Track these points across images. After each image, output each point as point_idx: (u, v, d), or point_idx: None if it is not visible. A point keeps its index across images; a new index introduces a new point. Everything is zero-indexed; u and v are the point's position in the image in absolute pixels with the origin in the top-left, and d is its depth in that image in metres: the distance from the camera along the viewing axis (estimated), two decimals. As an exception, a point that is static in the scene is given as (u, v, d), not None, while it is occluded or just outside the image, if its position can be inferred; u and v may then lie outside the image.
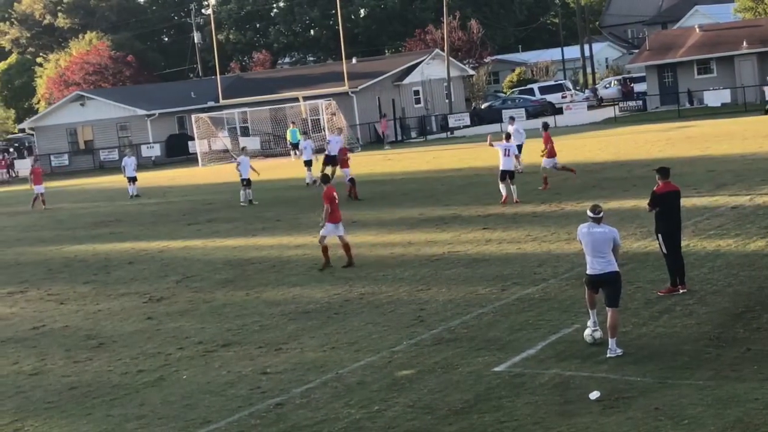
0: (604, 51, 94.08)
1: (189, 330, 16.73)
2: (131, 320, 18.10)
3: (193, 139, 61.86)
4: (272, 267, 21.75)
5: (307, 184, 37.22)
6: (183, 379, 13.89)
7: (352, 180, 31.57)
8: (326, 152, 35.91)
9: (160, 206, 37.02)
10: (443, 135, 62.46)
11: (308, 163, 38.02)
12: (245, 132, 64.35)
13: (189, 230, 29.18)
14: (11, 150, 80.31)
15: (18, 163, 70.91)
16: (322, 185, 21.66)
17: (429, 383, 12.37)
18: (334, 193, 20.68)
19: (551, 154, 29.41)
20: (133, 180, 41.16)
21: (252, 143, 60.45)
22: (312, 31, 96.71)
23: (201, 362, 14.62)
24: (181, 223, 31.12)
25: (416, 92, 67.72)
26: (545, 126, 31.15)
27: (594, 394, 11.14)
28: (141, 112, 65.80)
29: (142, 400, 13.12)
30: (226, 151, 60.83)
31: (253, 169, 34.00)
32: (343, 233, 20.73)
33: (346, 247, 20.72)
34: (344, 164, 31.94)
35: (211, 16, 77.32)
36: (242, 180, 33.49)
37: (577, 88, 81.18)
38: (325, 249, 20.72)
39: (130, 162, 41.75)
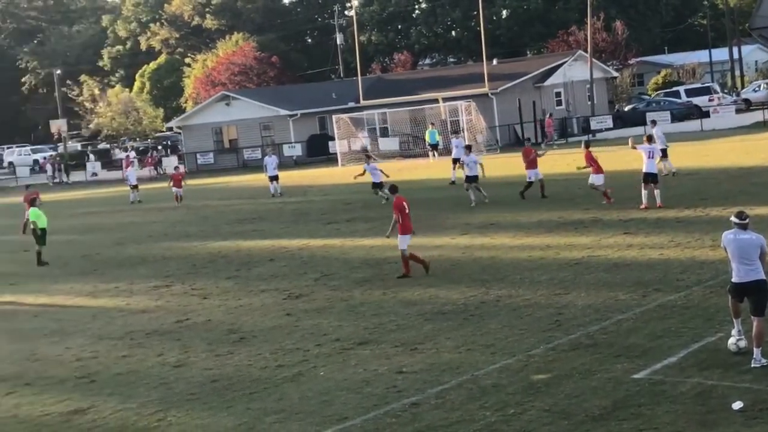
0: (753, 54, 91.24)
1: (327, 327, 16.94)
2: (271, 316, 18.43)
3: (333, 139, 62.54)
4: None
5: (452, 182, 37.72)
6: (320, 375, 14.07)
7: (540, 180, 31.25)
8: (452, 155, 38.46)
9: (300, 205, 37.59)
10: (585, 137, 61.67)
11: (455, 161, 38.50)
12: (384, 133, 64.72)
13: (328, 229, 29.55)
14: (159, 148, 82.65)
15: (165, 161, 73.03)
16: (391, 196, 21.74)
17: (566, 388, 12.24)
18: (404, 203, 20.71)
19: (598, 171, 28.73)
20: (274, 179, 41.89)
21: (391, 144, 60.81)
22: (453, 32, 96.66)
23: (338, 359, 14.79)
24: (321, 221, 31.54)
25: (558, 94, 67.01)
26: (586, 144, 30.73)
27: (737, 404, 10.85)
28: (284, 112, 66.87)
29: (280, 394, 13.35)
30: (366, 151, 61.40)
31: (382, 172, 34.96)
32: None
33: (405, 259, 20.70)
34: (532, 165, 31.45)
35: (354, 17, 78.05)
36: (373, 184, 34.82)
37: (725, 91, 79.01)
38: (412, 257, 20.66)
39: (271, 161, 42.54)
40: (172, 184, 42.77)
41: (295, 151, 65.97)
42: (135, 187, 46.25)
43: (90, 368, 15.90)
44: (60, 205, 47.75)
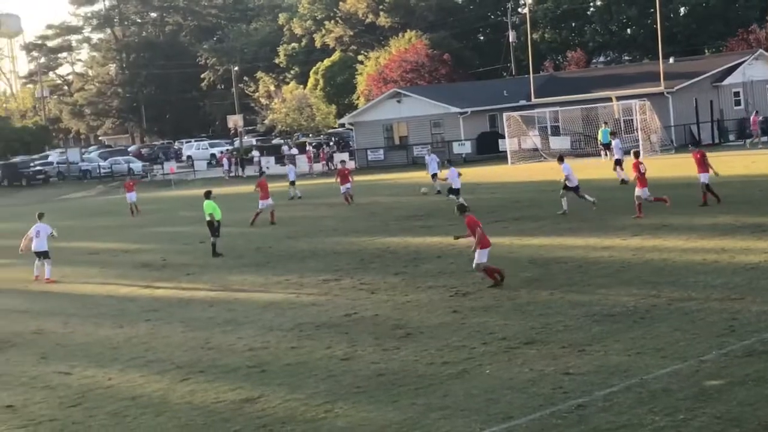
0: None
1: (493, 326, 16.89)
2: (438, 313, 18.50)
3: (503, 137, 62.30)
4: (578, 267, 21.56)
5: (623, 181, 37.05)
6: (486, 373, 14.05)
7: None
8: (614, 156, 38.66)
9: (469, 203, 37.55)
10: (765, 138, 59.55)
11: (618, 162, 38.15)
12: (555, 131, 64.06)
13: (496, 227, 29.41)
14: (331, 143, 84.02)
15: (337, 157, 74.24)
16: (461, 216, 21.36)
17: (738, 395, 11.87)
18: (476, 220, 20.59)
19: (643, 184, 27.88)
20: (434, 177, 42.29)
21: (562, 143, 60.15)
22: (629, 30, 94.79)
23: (504, 358, 14.74)
24: (489, 219, 31.42)
25: (736, 94, 64.90)
26: (636, 154, 29.76)
27: None
28: (454, 109, 66.98)
29: (445, 391, 13.39)
30: (536, 150, 60.90)
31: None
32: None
33: (487, 270, 20.48)
34: (702, 167, 30.59)
35: (527, 15, 77.52)
36: (450, 189, 35.03)
37: None
38: (488, 271, 20.48)
39: (431, 159, 43.08)
40: (339, 180, 42.63)
41: (465, 148, 66.00)
42: (292, 183, 47.54)
43: (261, 358, 16.31)
44: (235, 199, 49.07)
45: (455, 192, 34.55)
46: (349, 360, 15.61)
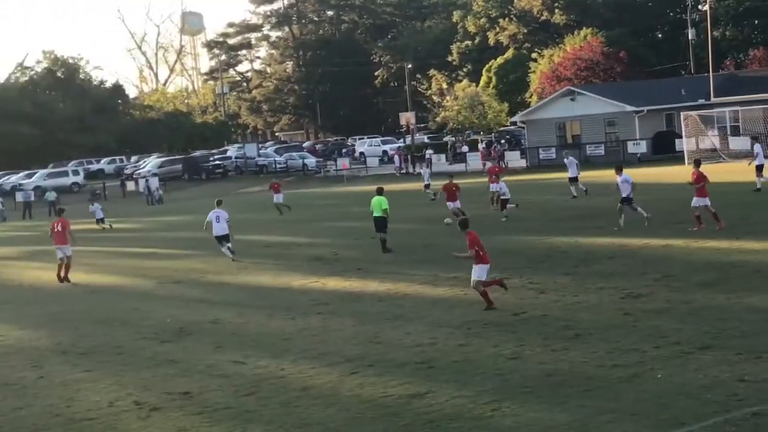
0: None
1: (666, 329, 16.51)
2: (608, 314, 18.20)
3: (680, 136, 60.78)
4: (756, 272, 20.84)
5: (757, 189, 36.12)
6: (657, 378, 13.75)
7: None
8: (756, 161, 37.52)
9: (645, 203, 36.78)
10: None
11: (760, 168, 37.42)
12: (735, 132, 62.08)
13: (672, 228, 28.75)
14: (503, 141, 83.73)
15: (508, 155, 73.99)
16: (462, 232, 20.72)
17: None
18: (478, 237, 20.11)
19: (702, 193, 26.65)
20: (575, 180, 41.70)
21: (742, 143, 58.24)
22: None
23: (677, 363, 14.39)
24: (664, 220, 30.73)
25: None
26: (697, 163, 28.63)
27: None
28: (629, 108, 65.76)
29: (615, 394, 13.17)
30: (715, 150, 59.17)
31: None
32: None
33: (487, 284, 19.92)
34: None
35: (708, 12, 75.38)
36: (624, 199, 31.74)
37: None
38: (485, 293, 19.87)
39: (570, 162, 43.10)
40: (490, 180, 41.46)
41: (640, 148, 64.74)
42: (427, 186, 47.95)
43: (428, 354, 16.39)
44: (405, 196, 49.49)
45: (627, 201, 30.77)
46: (516, 359, 15.53)
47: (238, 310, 22.33)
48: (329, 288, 24.54)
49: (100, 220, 48.74)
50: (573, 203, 39.58)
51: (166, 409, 14.32)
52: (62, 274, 29.17)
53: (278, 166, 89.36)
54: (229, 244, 30.86)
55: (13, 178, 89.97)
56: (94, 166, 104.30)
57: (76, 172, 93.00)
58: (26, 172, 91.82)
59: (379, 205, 29.79)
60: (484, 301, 19.78)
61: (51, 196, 70.16)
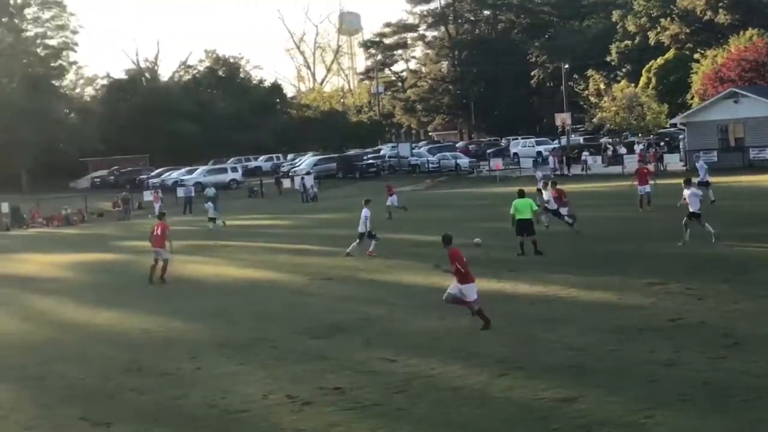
0: None
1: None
2: (769, 324, 17.60)
3: None
4: None
5: None
6: (821, 391, 13.20)
7: None
8: None
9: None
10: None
11: None
12: None
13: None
14: (662, 144, 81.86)
15: (667, 158, 72.38)
16: (445, 248, 19.70)
17: None
18: (460, 254, 19.20)
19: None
20: (707, 185, 40.45)
21: None
22: None
23: (843, 376, 13.79)
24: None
25: None
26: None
27: None
28: (796, 110, 63.47)
29: (777, 405, 12.72)
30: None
31: None
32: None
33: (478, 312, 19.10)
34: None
35: None
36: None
37: None
38: (457, 302, 19.31)
39: (701, 167, 42.13)
40: (636, 182, 40.47)
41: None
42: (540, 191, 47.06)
43: (580, 358, 16.14)
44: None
45: (695, 216, 28.89)
46: (672, 366, 15.14)
47: (389, 308, 22.45)
48: (480, 289, 24.40)
49: (212, 219, 50.07)
50: (742, 209, 38.35)
51: (318, 404, 14.49)
52: (157, 275, 29.65)
53: (431, 165, 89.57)
54: (356, 242, 32.09)
55: (175, 174, 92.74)
56: (252, 164, 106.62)
57: (234, 169, 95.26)
58: (187, 169, 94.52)
59: (529, 206, 29.59)
60: (481, 321, 19.24)
61: (210, 192, 71.98)
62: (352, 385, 15.49)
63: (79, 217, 69.56)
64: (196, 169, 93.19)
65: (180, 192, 75.66)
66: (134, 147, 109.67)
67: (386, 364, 16.76)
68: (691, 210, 29.07)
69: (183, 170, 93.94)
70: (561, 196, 35.05)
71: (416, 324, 20.43)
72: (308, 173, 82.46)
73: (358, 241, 32.25)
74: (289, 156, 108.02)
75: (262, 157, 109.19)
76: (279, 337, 20.06)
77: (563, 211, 34.66)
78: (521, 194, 30.37)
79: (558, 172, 74.85)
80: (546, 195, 35.88)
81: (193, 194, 73.43)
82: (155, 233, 30.01)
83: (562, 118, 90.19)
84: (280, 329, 20.92)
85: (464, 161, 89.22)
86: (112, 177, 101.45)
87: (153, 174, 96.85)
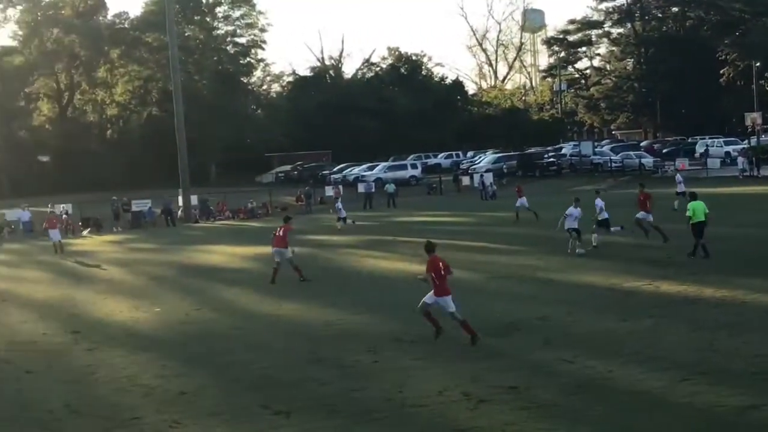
0: None
1: None
2: None
3: None
4: None
5: None
6: None
7: None
8: None
9: None
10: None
11: None
12: None
13: None
14: None
15: None
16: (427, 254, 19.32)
17: None
18: (440, 264, 18.47)
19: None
20: None
21: None
22: None
23: None
24: None
25: None
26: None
27: None
28: None
29: None
30: None
31: None
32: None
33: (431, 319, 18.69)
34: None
35: None
36: None
37: None
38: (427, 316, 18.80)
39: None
40: None
41: None
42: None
43: (765, 365, 15.60)
44: (747, 199, 47.30)
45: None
46: None
47: (568, 309, 22.21)
48: (662, 291, 23.91)
49: (342, 219, 50.21)
50: None
51: (493, 402, 14.49)
52: (295, 274, 29.66)
53: (613, 164, 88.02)
54: (578, 242, 31.92)
55: (356, 170, 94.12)
56: (432, 161, 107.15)
57: (414, 166, 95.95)
58: (368, 165, 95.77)
59: (702, 209, 28.86)
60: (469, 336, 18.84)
61: (390, 188, 72.82)
62: (528, 384, 15.42)
63: (263, 211, 71.45)
64: (377, 166, 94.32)
65: (360, 188, 76.71)
66: (317, 143, 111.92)
67: (563, 365, 16.60)
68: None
69: (364, 166, 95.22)
70: (647, 201, 33.81)
71: (596, 325, 20.16)
72: (488, 171, 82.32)
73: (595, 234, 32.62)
74: (469, 153, 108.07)
75: (441, 155, 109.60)
76: (455, 333, 20.13)
77: (641, 216, 33.66)
78: (693, 197, 29.63)
79: (747, 173, 72.42)
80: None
81: (373, 190, 74.33)
82: (278, 234, 30.14)
83: (753, 118, 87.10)
84: (456, 325, 20.98)
85: (648, 160, 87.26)
86: (295, 172, 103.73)
87: (335, 169, 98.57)
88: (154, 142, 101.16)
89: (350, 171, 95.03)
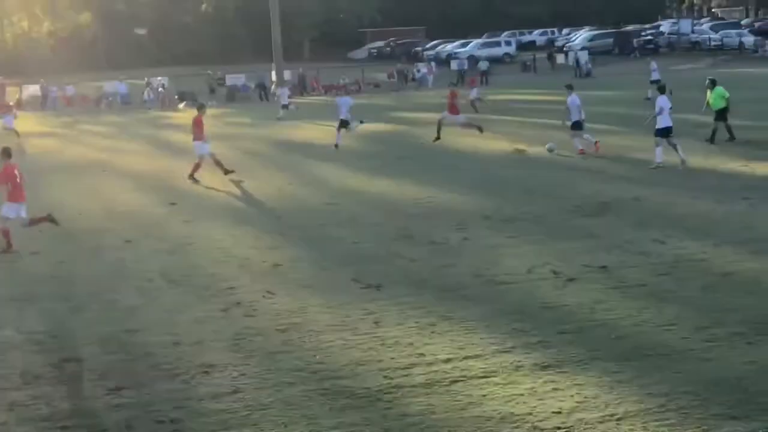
0: None
1: None
2: None
3: None
4: None
5: None
6: None
7: None
8: None
9: None
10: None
11: None
12: None
13: None
14: None
15: None
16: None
17: None
18: (15, 171, 17.96)
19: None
20: None
21: None
22: None
23: None
24: None
25: None
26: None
27: None
28: None
29: None
30: None
31: None
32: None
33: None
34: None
35: None
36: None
37: None
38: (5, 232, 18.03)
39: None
40: None
41: None
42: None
43: None
44: None
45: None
46: None
47: (663, 190, 21.97)
48: (759, 174, 23.48)
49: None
50: None
51: (582, 281, 14.50)
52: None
53: (713, 43, 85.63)
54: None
55: (449, 47, 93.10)
56: (526, 38, 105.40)
57: (508, 43, 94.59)
58: (461, 41, 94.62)
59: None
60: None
61: (483, 65, 72.07)
62: (618, 264, 15.38)
63: (355, 87, 71.45)
64: (470, 42, 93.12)
65: (453, 65, 76.05)
66: (411, 19, 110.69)
67: (656, 246, 16.49)
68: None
69: (457, 43, 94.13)
70: None
71: (691, 207, 19.93)
72: (583, 49, 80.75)
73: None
74: (564, 31, 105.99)
75: (536, 32, 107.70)
76: (547, 212, 20.09)
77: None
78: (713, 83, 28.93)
79: None
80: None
81: (465, 67, 73.65)
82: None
83: None
84: (548, 205, 20.93)
85: (749, 39, 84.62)
86: (388, 48, 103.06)
87: (428, 46, 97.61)
88: (249, 16, 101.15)
89: (443, 48, 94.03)
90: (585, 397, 9.96)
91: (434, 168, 27.70)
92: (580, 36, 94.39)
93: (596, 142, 28.56)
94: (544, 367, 10.85)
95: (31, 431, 9.76)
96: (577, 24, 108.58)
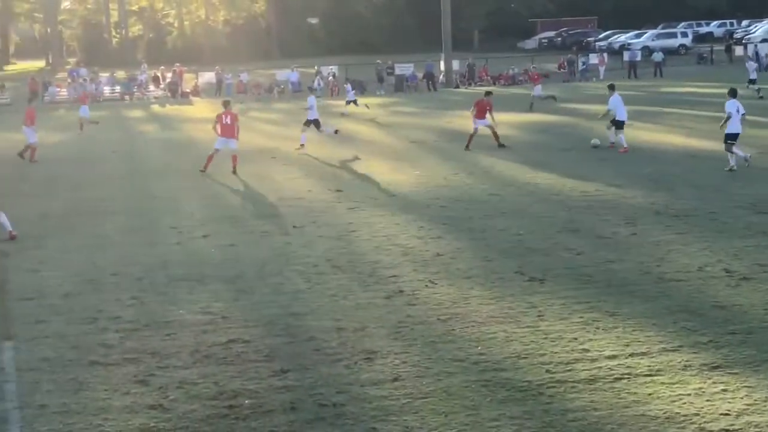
0: None
1: None
2: None
3: None
4: None
5: None
6: None
7: None
8: None
9: None
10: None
11: None
12: None
13: None
14: None
15: None
16: None
17: None
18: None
19: None
20: None
21: None
22: None
23: None
24: None
25: None
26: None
27: None
28: None
29: None
30: None
31: None
32: None
33: None
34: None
35: None
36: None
37: None
38: None
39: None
40: None
41: None
42: None
43: None
44: None
45: None
46: None
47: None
48: None
49: (350, 102, 48.82)
50: None
51: (757, 280, 14.00)
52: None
53: None
54: None
55: (622, 38, 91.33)
56: (704, 29, 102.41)
57: (684, 34, 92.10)
58: (635, 32, 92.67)
59: None
60: None
61: (658, 57, 70.41)
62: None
63: (524, 77, 70.84)
64: (645, 33, 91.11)
65: (626, 56, 74.58)
66: (584, 8, 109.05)
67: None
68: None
69: (631, 34, 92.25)
70: None
71: None
72: (764, 41, 77.92)
73: None
74: (744, 22, 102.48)
75: (714, 23, 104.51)
76: (720, 209, 19.48)
77: None
78: None
79: None
80: None
81: (638, 58, 72.10)
82: (222, 122, 27.11)
83: None
84: (721, 201, 20.30)
85: None
86: (559, 38, 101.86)
87: (600, 36, 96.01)
88: (419, 5, 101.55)
89: (616, 38, 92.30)
90: (755, 400, 9.61)
91: (602, 161, 27.23)
92: (761, 28, 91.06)
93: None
94: (714, 368, 10.51)
95: (199, 409, 10.02)
96: (757, 16, 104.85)
